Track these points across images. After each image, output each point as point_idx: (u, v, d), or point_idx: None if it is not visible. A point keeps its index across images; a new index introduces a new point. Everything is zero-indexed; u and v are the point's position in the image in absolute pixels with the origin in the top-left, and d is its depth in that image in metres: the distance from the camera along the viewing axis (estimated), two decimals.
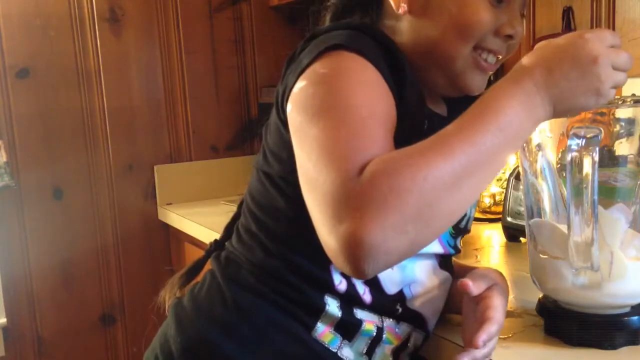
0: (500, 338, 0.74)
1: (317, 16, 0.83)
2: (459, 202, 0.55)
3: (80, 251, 1.74)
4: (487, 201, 1.38)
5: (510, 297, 0.91)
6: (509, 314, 0.81)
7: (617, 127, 0.72)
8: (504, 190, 1.21)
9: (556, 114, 0.60)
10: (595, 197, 0.63)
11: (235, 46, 1.87)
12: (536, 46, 0.63)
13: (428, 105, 0.74)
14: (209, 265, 0.81)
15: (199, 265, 0.86)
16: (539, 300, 0.77)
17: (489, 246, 1.18)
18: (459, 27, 0.70)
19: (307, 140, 0.60)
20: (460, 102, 0.76)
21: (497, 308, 0.67)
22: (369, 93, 0.62)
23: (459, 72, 0.73)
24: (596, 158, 0.63)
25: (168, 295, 0.84)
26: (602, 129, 0.65)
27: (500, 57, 0.74)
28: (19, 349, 1.69)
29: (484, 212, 1.38)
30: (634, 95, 1.23)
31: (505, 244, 1.16)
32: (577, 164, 0.63)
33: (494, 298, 0.68)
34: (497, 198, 1.34)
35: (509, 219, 1.14)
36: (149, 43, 1.77)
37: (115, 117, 1.75)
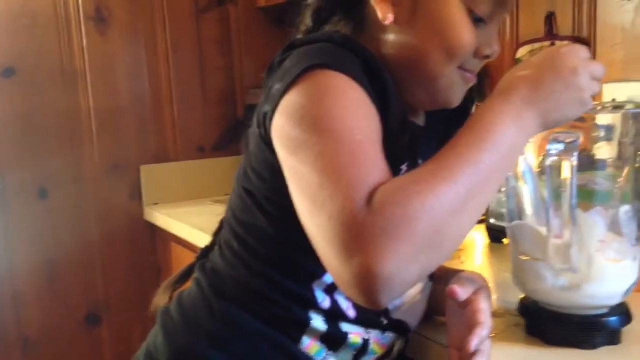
0: None
1: (297, 15, 0.82)
2: (466, 223, 0.56)
3: (66, 251, 1.73)
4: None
5: (493, 297, 0.92)
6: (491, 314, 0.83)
7: (597, 133, 0.73)
8: None
9: (546, 126, 0.61)
10: (574, 201, 0.65)
11: (222, 47, 1.88)
12: (518, 65, 0.64)
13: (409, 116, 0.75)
14: None
15: (190, 271, 0.85)
16: (521, 300, 0.79)
17: (473, 247, 1.20)
18: (445, 49, 0.69)
19: (303, 171, 0.58)
20: (438, 111, 0.78)
21: (485, 312, 0.68)
22: (359, 114, 0.61)
23: (441, 90, 0.73)
24: (575, 163, 0.64)
25: (161, 302, 0.83)
26: (580, 135, 0.66)
27: (476, 71, 0.75)
28: (4, 348, 1.68)
29: None
30: (614, 100, 1.26)
31: (489, 245, 1.18)
32: (557, 169, 0.65)
33: (481, 302, 0.69)
34: None
35: (492, 220, 1.15)
36: (136, 43, 1.77)
37: (101, 116, 1.74)
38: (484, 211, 0.59)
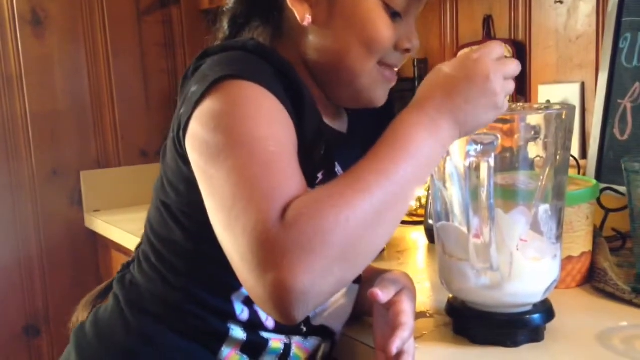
0: None
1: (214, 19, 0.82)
2: (381, 236, 0.57)
3: (3, 261, 1.68)
4: (412, 204, 1.41)
5: (429, 297, 0.94)
6: (421, 315, 0.84)
7: (525, 133, 0.75)
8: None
9: (463, 134, 0.63)
10: (492, 201, 0.66)
11: (165, 50, 1.86)
12: (431, 72, 0.65)
13: (328, 123, 0.75)
14: None
15: (111, 285, 0.83)
16: (448, 300, 0.80)
17: (413, 248, 1.21)
18: (364, 44, 0.71)
19: (217, 183, 0.57)
20: (362, 117, 0.79)
21: (407, 313, 0.69)
22: (272, 124, 0.61)
23: (364, 87, 0.74)
24: (492, 163, 0.66)
25: (80, 319, 0.81)
26: (498, 136, 0.68)
27: (396, 68, 0.77)
28: None
29: (410, 214, 1.42)
30: (548, 102, 1.29)
31: (427, 246, 1.20)
32: (475, 169, 0.66)
33: (404, 303, 0.70)
34: (423, 201, 1.38)
35: (430, 221, 1.17)
36: (74, 45, 1.73)
37: (38, 122, 1.70)
38: (399, 221, 0.59)
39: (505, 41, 1.39)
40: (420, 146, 0.59)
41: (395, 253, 1.16)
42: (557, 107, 0.77)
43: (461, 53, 0.66)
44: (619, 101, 1.16)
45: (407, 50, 0.75)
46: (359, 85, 0.74)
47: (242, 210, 0.54)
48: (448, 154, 0.76)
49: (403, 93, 1.09)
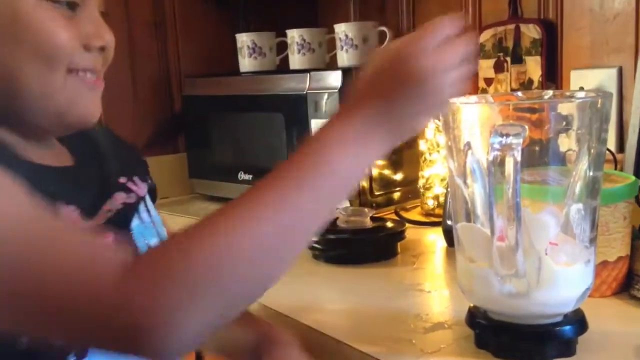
0: (428, 353, 0.77)
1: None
2: (274, 271, 0.56)
3: None
4: (430, 203, 1.41)
5: (445, 307, 0.94)
6: (439, 326, 0.84)
7: (553, 123, 0.75)
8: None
9: (398, 142, 0.61)
10: (518, 200, 0.66)
11: (155, 30, 1.85)
12: (363, 70, 0.63)
13: (42, 162, 0.68)
14: None
15: None
16: (469, 310, 0.80)
17: (429, 252, 1.21)
18: (37, 57, 0.64)
19: None
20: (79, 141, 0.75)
21: None
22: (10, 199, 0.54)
23: (64, 105, 0.67)
24: (518, 158, 0.65)
25: None
26: (526, 127, 0.68)
27: (100, 69, 0.71)
28: None
29: (427, 214, 1.42)
30: (581, 88, 1.29)
31: (446, 250, 1.20)
32: (499, 164, 0.66)
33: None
34: (441, 200, 1.38)
35: (449, 222, 1.17)
36: None
37: None
38: (294, 256, 0.57)
39: (533, 21, 1.38)
40: (335, 167, 0.57)
41: (410, 257, 1.16)
42: (592, 94, 0.77)
43: (395, 45, 0.62)
44: None
45: (102, 49, 0.69)
46: (57, 106, 0.67)
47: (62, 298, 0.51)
48: (469, 147, 0.76)
49: None
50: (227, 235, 0.53)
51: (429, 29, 0.60)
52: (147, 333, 0.51)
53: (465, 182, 0.77)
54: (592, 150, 0.74)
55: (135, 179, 0.78)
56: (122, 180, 0.76)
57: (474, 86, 1.48)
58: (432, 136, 1.39)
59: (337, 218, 1.18)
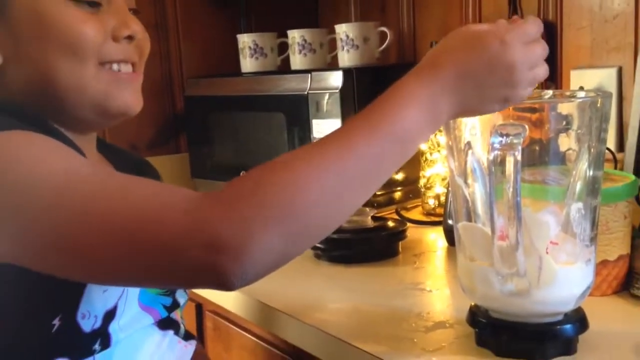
0: (429, 351, 0.77)
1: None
2: (338, 214, 0.58)
3: None
4: (431, 203, 1.41)
5: (446, 306, 0.94)
6: (440, 325, 0.84)
7: (553, 123, 0.75)
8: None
9: (459, 116, 0.63)
10: (519, 199, 0.66)
11: (157, 31, 1.85)
12: (451, 34, 0.63)
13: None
14: None
15: None
16: (470, 309, 0.80)
17: (430, 251, 1.21)
18: (67, 53, 0.67)
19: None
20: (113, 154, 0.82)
21: None
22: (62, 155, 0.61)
23: (100, 96, 0.70)
24: (519, 157, 0.65)
25: None
26: (526, 126, 0.68)
27: (136, 61, 0.74)
28: None
29: (428, 214, 1.42)
30: (581, 88, 1.29)
31: (447, 249, 1.20)
32: (500, 164, 0.66)
33: None
34: (442, 199, 1.38)
35: (449, 221, 1.17)
36: None
37: None
38: (362, 201, 0.59)
39: None
40: (408, 126, 0.59)
41: (412, 256, 1.16)
42: (592, 94, 0.77)
43: (491, 27, 0.63)
44: None
45: (130, 38, 0.72)
46: (92, 97, 0.70)
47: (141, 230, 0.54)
48: (470, 147, 0.76)
49: None
50: (304, 166, 0.55)
51: (529, 22, 0.62)
52: (222, 255, 0.51)
53: (466, 182, 0.77)
54: (592, 150, 0.74)
55: None
56: None
57: None
58: (432, 136, 1.39)
59: None
